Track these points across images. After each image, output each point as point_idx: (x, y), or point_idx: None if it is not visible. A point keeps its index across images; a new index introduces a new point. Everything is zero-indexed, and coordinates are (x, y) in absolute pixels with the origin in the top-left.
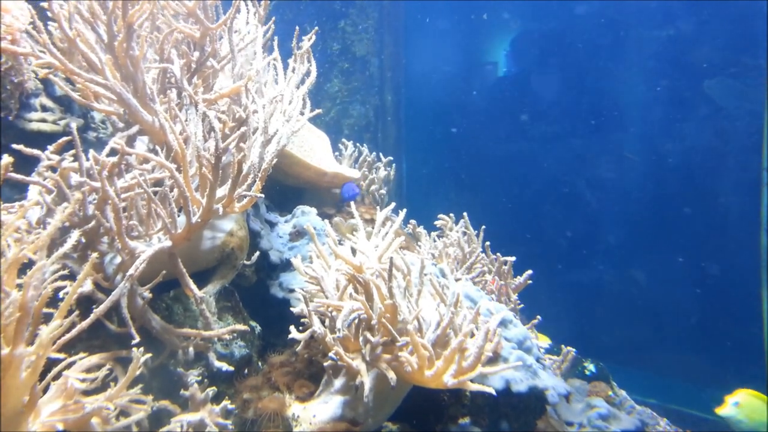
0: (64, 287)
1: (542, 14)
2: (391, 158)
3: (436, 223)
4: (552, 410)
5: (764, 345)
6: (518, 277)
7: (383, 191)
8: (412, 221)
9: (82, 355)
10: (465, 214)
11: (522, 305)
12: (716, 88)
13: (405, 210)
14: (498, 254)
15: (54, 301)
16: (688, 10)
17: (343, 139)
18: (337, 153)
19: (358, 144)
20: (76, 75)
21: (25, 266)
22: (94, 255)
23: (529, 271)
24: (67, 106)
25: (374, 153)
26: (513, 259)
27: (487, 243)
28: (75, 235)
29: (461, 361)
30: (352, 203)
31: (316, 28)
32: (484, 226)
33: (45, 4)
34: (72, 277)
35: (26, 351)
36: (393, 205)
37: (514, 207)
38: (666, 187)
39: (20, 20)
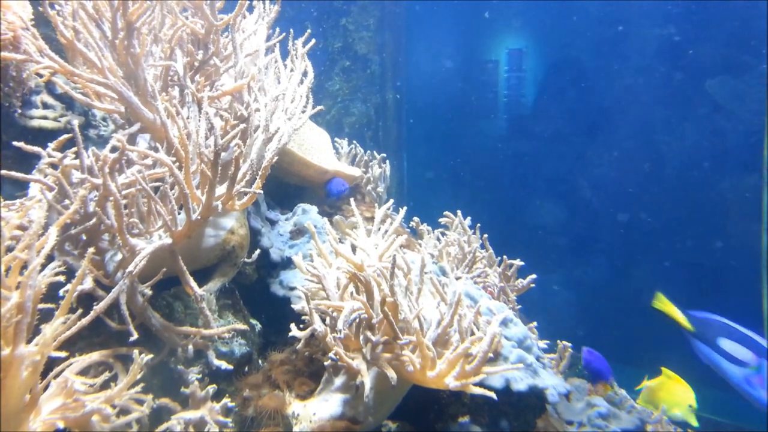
0: (65, 284)
1: (543, 13)
2: (384, 155)
3: (440, 220)
4: (552, 409)
5: None
6: (521, 279)
7: (380, 189)
8: (416, 218)
9: (84, 356)
10: (459, 214)
11: (520, 306)
12: (717, 87)
13: (405, 208)
14: (504, 256)
15: (55, 298)
16: (689, 10)
17: (337, 139)
18: (333, 152)
19: (354, 142)
20: (76, 76)
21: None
22: (91, 250)
23: (533, 276)
24: (69, 103)
25: (368, 151)
26: (521, 263)
27: (485, 235)
28: (53, 231)
29: (465, 364)
30: (351, 200)
31: (309, 30)
32: (479, 224)
33: (41, 9)
34: (74, 274)
35: (27, 350)
36: (391, 201)
37: (514, 205)
38: (666, 186)
39: (22, 17)
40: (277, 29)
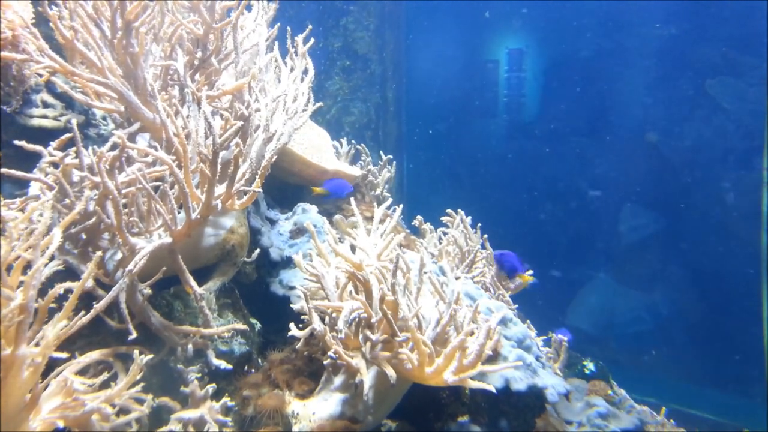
0: (65, 284)
1: (543, 13)
2: (391, 156)
3: (442, 218)
4: (551, 409)
5: (764, 345)
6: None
7: (386, 192)
8: (419, 217)
9: (84, 355)
10: (461, 212)
11: (517, 305)
12: (718, 87)
13: (401, 206)
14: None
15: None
16: (689, 10)
17: (335, 142)
18: (333, 151)
19: (353, 141)
20: (76, 76)
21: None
22: (98, 254)
23: (530, 271)
24: (68, 102)
25: (367, 154)
26: None
27: (485, 236)
28: (58, 232)
29: (462, 358)
30: (352, 199)
31: (309, 27)
32: (480, 224)
33: (40, 9)
34: (71, 272)
35: (29, 351)
36: (390, 200)
37: (514, 205)
38: (666, 187)
39: (22, 16)
40: (277, 26)
